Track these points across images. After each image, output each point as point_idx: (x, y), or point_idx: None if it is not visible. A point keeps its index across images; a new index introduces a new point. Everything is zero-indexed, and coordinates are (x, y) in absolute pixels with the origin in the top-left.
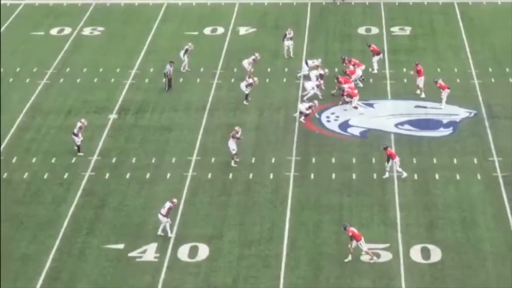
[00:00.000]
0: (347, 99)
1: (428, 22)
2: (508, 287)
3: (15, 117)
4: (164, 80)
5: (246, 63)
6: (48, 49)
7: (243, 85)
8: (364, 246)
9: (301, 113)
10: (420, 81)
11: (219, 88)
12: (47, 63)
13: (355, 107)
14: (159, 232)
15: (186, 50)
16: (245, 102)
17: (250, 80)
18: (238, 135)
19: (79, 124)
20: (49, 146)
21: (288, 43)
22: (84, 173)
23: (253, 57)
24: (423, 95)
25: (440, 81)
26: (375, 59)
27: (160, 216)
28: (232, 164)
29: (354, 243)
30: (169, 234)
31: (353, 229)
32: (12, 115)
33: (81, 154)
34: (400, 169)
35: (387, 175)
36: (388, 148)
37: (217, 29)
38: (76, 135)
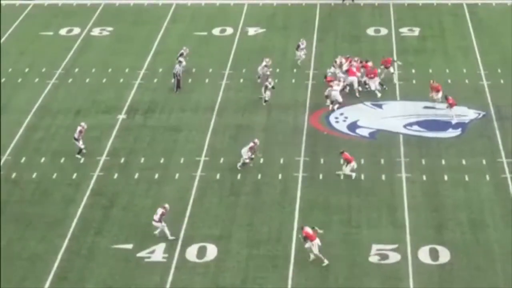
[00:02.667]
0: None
1: (437, 23)
2: None
3: (24, 117)
4: (173, 80)
5: (259, 68)
6: (57, 49)
7: (263, 90)
8: (316, 248)
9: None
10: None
11: (227, 89)
12: (56, 63)
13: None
14: (157, 233)
15: (181, 54)
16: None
17: (267, 84)
18: (255, 148)
19: (79, 128)
20: (58, 146)
21: (300, 53)
22: (92, 173)
23: (264, 63)
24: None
25: (451, 98)
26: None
27: (154, 222)
28: (238, 166)
29: (308, 243)
30: (169, 237)
31: (308, 230)
32: (20, 115)
33: (78, 156)
34: (352, 173)
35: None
36: (344, 153)
37: (226, 29)
38: (77, 139)
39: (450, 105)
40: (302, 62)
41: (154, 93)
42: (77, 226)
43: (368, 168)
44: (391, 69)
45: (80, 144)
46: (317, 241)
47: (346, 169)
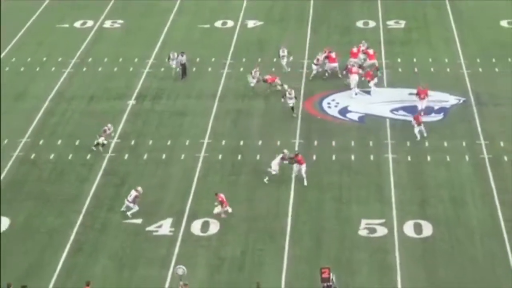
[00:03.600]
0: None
1: (421, 15)
2: (493, 260)
3: (41, 103)
4: (178, 69)
5: (283, 62)
6: (72, 41)
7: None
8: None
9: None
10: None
11: (228, 77)
12: (71, 53)
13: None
14: (129, 214)
15: (169, 57)
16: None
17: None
18: (286, 158)
19: (105, 127)
20: (73, 129)
21: (283, 62)
22: (105, 155)
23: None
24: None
25: (422, 89)
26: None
27: (126, 202)
28: (265, 180)
29: (220, 207)
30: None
31: (222, 196)
32: (38, 101)
33: (94, 149)
34: (305, 175)
35: (293, 177)
36: (299, 155)
37: (227, 22)
38: (100, 136)
39: (421, 99)
40: (288, 64)
41: (161, 81)
42: (91, 203)
43: (357, 150)
44: (375, 80)
45: (102, 140)
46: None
47: (303, 172)
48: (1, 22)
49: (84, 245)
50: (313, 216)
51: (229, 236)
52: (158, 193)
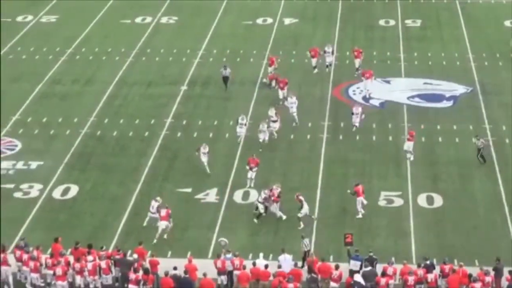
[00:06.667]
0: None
1: (435, 16)
2: (494, 229)
3: (107, 88)
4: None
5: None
6: (133, 34)
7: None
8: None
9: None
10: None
11: (267, 67)
12: (132, 45)
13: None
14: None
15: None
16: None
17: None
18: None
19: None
20: (133, 110)
21: (327, 57)
22: (160, 132)
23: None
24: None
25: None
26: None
27: (150, 214)
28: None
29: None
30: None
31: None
32: (104, 86)
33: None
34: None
35: (360, 215)
36: (359, 185)
37: (267, 19)
38: (198, 150)
39: (366, 78)
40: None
41: (210, 69)
42: (148, 174)
43: (378, 131)
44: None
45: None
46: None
47: (359, 204)
48: (74, 18)
49: (141, 211)
50: (339, 188)
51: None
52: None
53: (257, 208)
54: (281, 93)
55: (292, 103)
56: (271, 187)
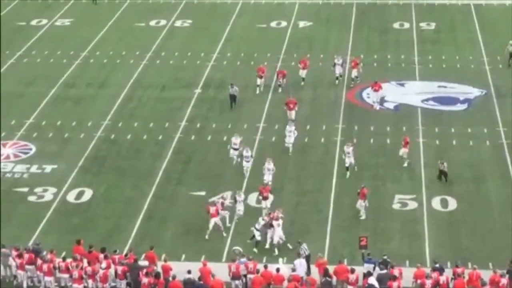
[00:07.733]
0: None
1: (449, 19)
2: (508, 231)
3: (121, 90)
4: (230, 100)
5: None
6: (148, 37)
7: None
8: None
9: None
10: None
11: (282, 70)
12: (147, 47)
13: None
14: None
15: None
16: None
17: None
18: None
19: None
20: (148, 113)
21: (336, 69)
22: (174, 135)
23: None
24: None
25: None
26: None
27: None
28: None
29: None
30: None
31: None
32: (118, 89)
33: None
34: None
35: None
36: (364, 187)
37: (281, 22)
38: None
39: (375, 91)
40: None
41: (224, 72)
42: (162, 177)
43: (392, 134)
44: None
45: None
46: None
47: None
48: (88, 21)
49: (155, 214)
50: (353, 191)
51: (281, 207)
52: (219, 170)
53: (253, 236)
54: (302, 72)
55: (290, 132)
56: (269, 213)
